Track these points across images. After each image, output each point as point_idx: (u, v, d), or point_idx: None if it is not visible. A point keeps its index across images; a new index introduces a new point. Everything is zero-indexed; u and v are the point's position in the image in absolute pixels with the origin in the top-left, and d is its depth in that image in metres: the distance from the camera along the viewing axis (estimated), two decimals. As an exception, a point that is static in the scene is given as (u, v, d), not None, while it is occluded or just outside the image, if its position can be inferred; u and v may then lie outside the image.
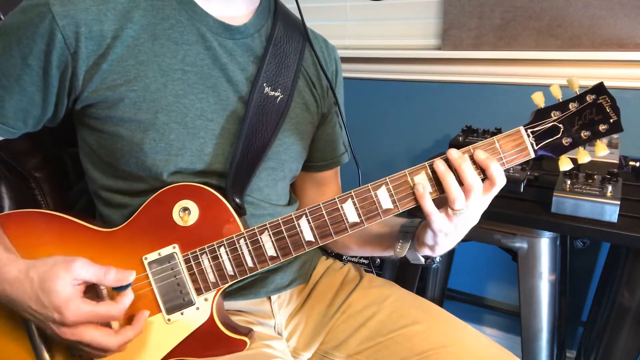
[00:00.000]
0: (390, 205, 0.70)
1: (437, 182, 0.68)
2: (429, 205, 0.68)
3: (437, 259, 0.80)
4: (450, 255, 1.59)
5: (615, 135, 1.21)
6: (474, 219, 0.71)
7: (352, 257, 1.52)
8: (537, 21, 1.36)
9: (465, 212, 0.68)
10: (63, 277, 0.62)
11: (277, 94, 0.79)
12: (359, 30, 1.67)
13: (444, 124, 1.61)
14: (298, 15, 0.87)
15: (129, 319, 0.70)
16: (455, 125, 1.48)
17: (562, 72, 1.38)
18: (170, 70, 0.71)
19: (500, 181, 0.67)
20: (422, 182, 0.68)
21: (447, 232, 0.70)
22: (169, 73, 0.71)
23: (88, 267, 0.64)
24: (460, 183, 0.67)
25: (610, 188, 1.02)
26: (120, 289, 0.67)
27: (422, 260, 0.80)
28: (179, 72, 0.72)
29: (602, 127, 0.67)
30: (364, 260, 1.50)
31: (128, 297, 0.67)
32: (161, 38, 0.71)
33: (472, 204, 0.67)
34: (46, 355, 0.71)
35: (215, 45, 0.75)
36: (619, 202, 1.00)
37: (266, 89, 0.78)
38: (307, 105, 0.86)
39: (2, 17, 0.85)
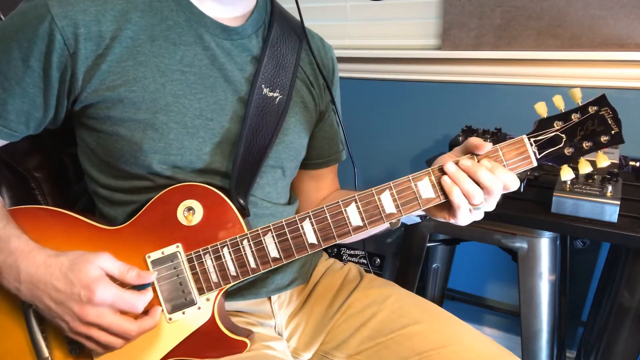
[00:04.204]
0: (394, 210, 0.71)
1: (440, 187, 0.70)
2: (457, 197, 0.68)
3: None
4: (450, 255, 1.59)
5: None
6: (492, 207, 0.73)
7: (352, 257, 1.53)
8: (537, 21, 1.36)
9: (483, 205, 0.70)
10: (93, 262, 0.65)
11: (275, 94, 0.80)
12: (359, 30, 1.67)
13: (444, 124, 1.61)
14: (295, 15, 0.87)
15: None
16: (455, 125, 1.48)
17: (562, 72, 1.38)
18: (169, 70, 0.72)
19: (514, 185, 0.69)
20: (449, 173, 0.69)
21: (466, 219, 0.72)
22: (168, 73, 0.72)
23: (114, 261, 0.68)
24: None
25: (610, 188, 1.03)
26: (140, 288, 0.69)
27: (418, 219, 0.81)
28: (177, 72, 0.72)
29: (603, 139, 0.68)
30: (364, 261, 1.50)
31: (150, 293, 0.69)
32: (159, 39, 0.72)
33: (491, 199, 0.70)
34: (46, 352, 0.71)
35: (213, 45, 0.76)
36: (619, 202, 1.01)
37: (265, 90, 0.78)
38: (306, 103, 0.87)
39: (2, 17, 0.86)
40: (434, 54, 1.53)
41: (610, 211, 1.02)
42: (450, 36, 1.47)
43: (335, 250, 1.54)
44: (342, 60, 1.66)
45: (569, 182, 1.06)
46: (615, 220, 1.02)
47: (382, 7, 1.60)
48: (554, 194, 1.06)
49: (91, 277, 0.64)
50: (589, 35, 1.31)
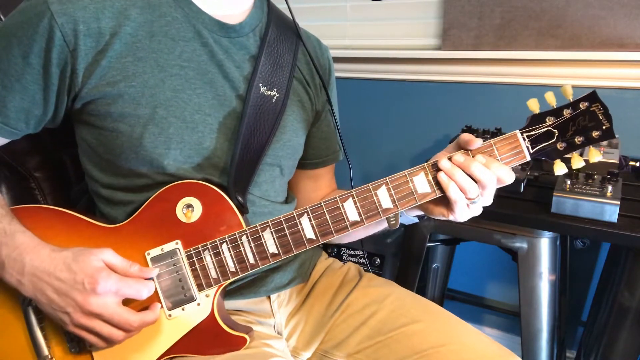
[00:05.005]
0: (390, 205, 0.72)
1: (435, 182, 0.71)
2: (454, 193, 0.69)
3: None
4: (450, 255, 1.59)
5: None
6: (489, 201, 0.73)
7: (352, 257, 1.53)
8: (537, 21, 1.36)
9: (480, 199, 0.70)
10: (96, 255, 0.66)
11: (273, 93, 0.80)
12: (359, 30, 1.67)
13: (444, 124, 1.61)
14: (290, 16, 0.88)
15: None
16: (455, 125, 1.48)
17: (562, 72, 1.38)
18: (168, 65, 0.72)
19: (509, 179, 0.70)
20: (444, 169, 0.70)
21: (464, 215, 0.73)
22: (167, 69, 0.72)
23: (116, 256, 0.68)
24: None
25: (610, 188, 1.03)
26: None
27: (417, 219, 0.82)
28: (177, 67, 0.73)
29: (595, 134, 0.70)
30: (364, 261, 1.50)
31: (152, 286, 0.69)
32: (158, 35, 0.73)
33: (487, 193, 0.70)
34: (46, 350, 0.71)
35: (211, 42, 0.76)
36: (619, 202, 1.00)
37: (262, 89, 0.79)
38: (302, 102, 0.87)
39: (2, 17, 0.86)
40: (434, 54, 1.54)
41: (610, 211, 1.01)
42: (450, 36, 1.48)
43: (335, 250, 1.54)
44: (342, 60, 1.66)
45: (569, 182, 1.06)
46: (615, 220, 1.02)
47: (382, 7, 1.60)
48: (554, 194, 1.06)
49: (94, 267, 0.65)
50: (588, 35, 1.31)
